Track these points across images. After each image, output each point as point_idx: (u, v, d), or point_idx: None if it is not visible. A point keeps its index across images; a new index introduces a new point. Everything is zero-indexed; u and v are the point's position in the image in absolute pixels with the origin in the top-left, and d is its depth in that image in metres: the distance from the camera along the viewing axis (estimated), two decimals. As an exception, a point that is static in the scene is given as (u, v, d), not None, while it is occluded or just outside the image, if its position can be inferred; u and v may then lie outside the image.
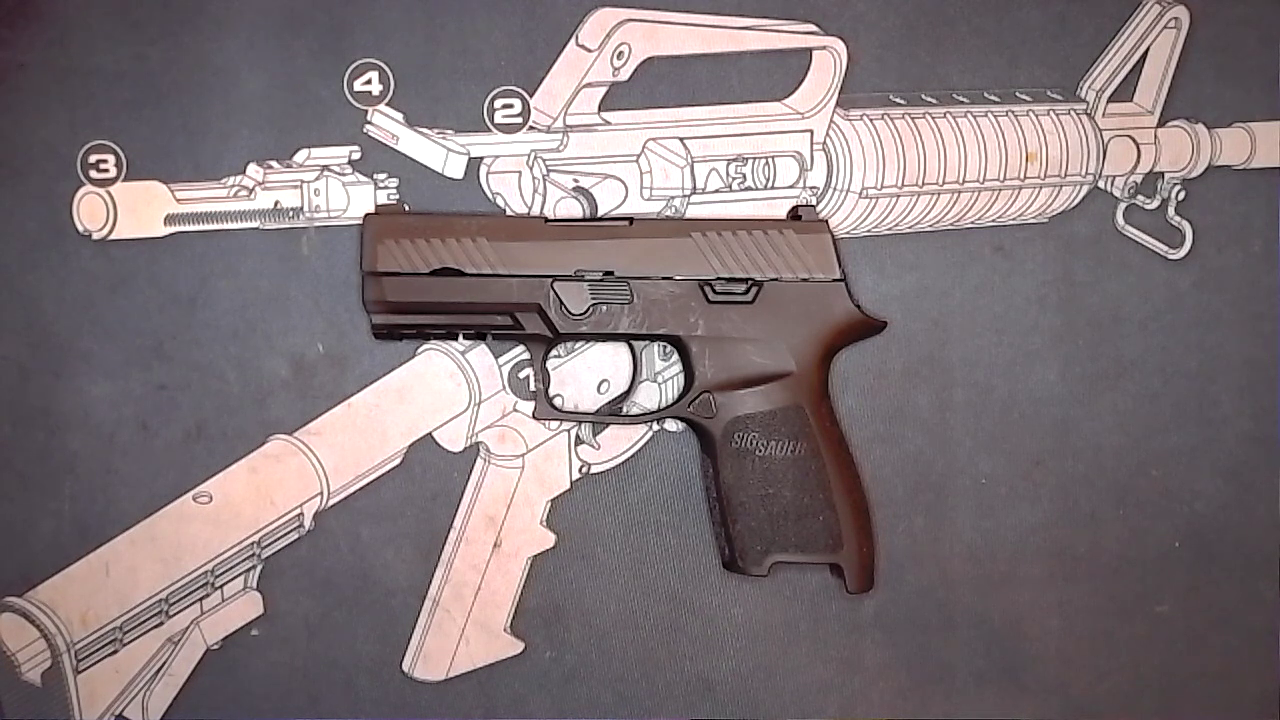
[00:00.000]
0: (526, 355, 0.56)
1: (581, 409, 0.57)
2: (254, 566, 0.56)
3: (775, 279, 0.54)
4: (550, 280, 0.53)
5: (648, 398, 0.57)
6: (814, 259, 0.54)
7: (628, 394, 0.56)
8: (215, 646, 0.56)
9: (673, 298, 0.54)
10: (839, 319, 0.54)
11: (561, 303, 0.53)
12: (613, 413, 0.56)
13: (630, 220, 0.54)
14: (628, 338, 0.55)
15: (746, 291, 0.54)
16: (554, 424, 0.57)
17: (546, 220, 0.54)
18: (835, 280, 0.54)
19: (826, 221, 0.55)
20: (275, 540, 0.56)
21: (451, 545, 0.57)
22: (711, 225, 0.54)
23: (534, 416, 0.55)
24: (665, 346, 0.56)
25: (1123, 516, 0.57)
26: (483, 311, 0.53)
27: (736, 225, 0.54)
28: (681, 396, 0.54)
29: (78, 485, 0.56)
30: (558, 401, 0.57)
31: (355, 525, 0.56)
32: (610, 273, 0.54)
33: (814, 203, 0.56)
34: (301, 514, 0.56)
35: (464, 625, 0.57)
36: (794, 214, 0.55)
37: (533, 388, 0.56)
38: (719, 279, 0.54)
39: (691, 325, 0.54)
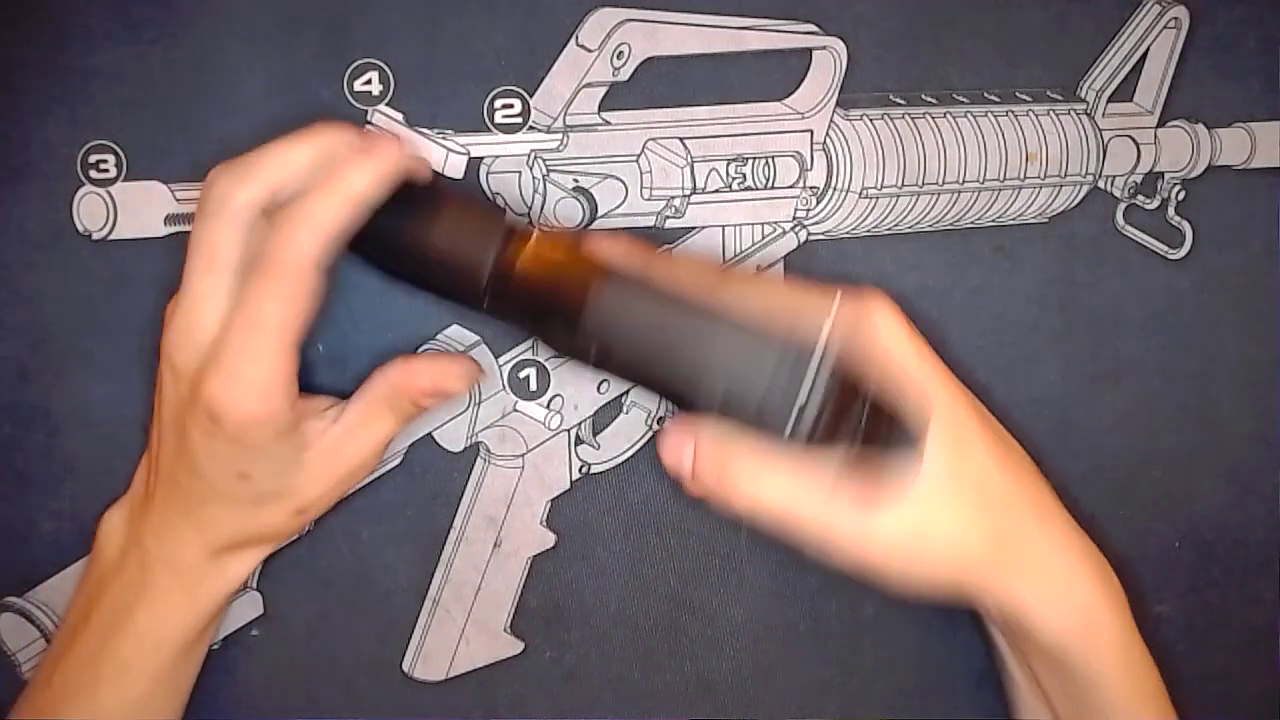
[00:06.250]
0: (527, 355, 0.56)
1: (581, 409, 0.57)
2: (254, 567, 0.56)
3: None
4: None
5: (648, 396, 0.57)
6: None
7: (628, 391, 0.56)
8: (215, 646, 0.56)
9: None
10: None
11: None
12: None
13: None
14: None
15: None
16: (554, 423, 0.57)
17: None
18: None
19: None
20: (275, 540, 0.56)
21: (451, 545, 0.57)
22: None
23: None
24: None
25: (1123, 516, 0.57)
26: None
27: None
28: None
29: (78, 485, 0.56)
30: (556, 403, 0.57)
31: (355, 525, 0.56)
32: None
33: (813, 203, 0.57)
34: (301, 514, 0.56)
35: (464, 625, 0.57)
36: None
37: (533, 387, 0.56)
38: None
39: None
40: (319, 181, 0.46)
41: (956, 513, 0.47)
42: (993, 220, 0.57)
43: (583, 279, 0.45)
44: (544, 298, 0.46)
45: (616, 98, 0.56)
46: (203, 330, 0.46)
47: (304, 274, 0.45)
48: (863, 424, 0.44)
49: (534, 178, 0.56)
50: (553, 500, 0.57)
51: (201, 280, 0.46)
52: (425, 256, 0.47)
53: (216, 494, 0.48)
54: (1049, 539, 0.49)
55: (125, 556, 0.50)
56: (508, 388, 0.57)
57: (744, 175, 0.57)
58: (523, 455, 0.57)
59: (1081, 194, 0.58)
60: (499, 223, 0.48)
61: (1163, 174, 0.58)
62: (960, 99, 0.57)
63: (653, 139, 0.56)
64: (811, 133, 0.57)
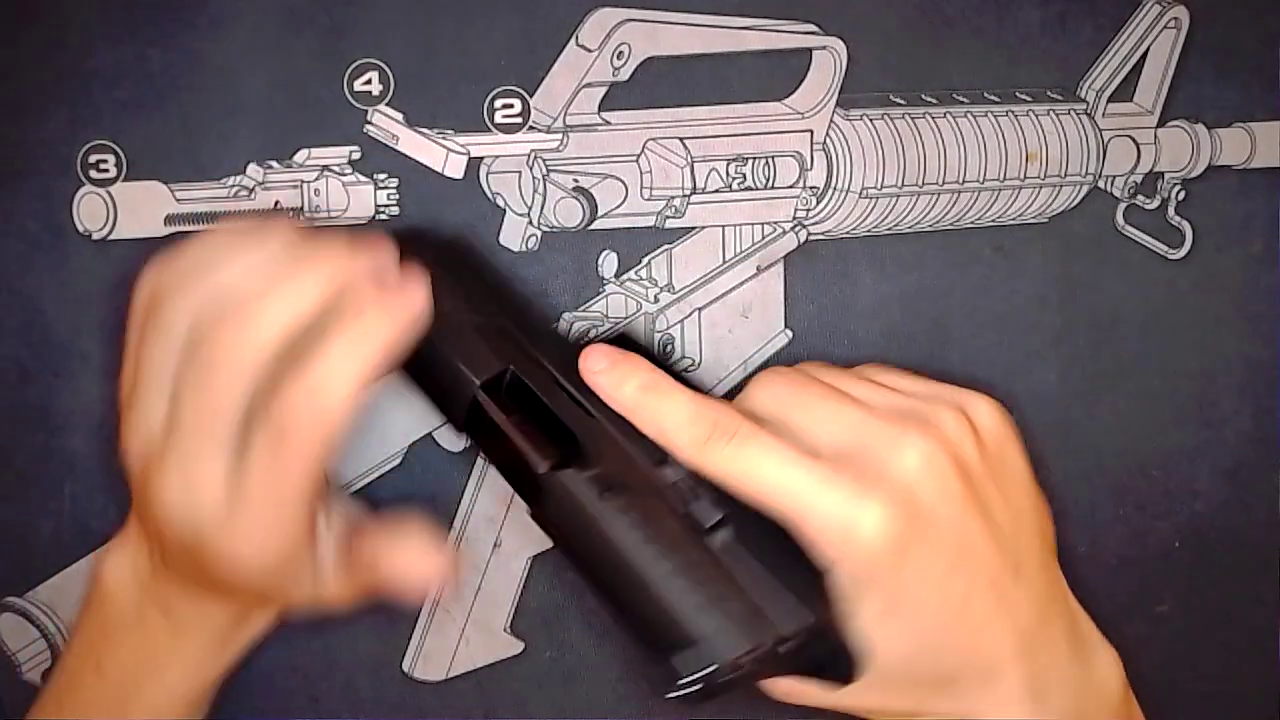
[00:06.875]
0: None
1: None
2: (254, 566, 0.56)
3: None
4: None
5: (648, 398, 0.57)
6: None
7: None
8: (215, 646, 0.56)
9: None
10: None
11: None
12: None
13: None
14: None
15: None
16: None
17: None
18: None
19: None
20: (275, 540, 0.56)
21: (451, 545, 0.57)
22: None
23: None
24: (666, 348, 0.57)
25: (1123, 516, 0.57)
26: None
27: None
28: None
29: (78, 485, 0.56)
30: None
31: (355, 525, 0.56)
32: None
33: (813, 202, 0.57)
34: (301, 514, 0.56)
35: (464, 625, 0.57)
36: None
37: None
38: None
39: None
40: (340, 322, 0.41)
41: (897, 693, 0.45)
42: (993, 220, 0.57)
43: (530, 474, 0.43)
44: (502, 466, 0.46)
45: (616, 98, 0.56)
46: (205, 493, 0.42)
47: (330, 435, 0.41)
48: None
49: (534, 178, 0.56)
50: (553, 500, 0.57)
51: (203, 445, 0.41)
52: (420, 365, 0.46)
53: (241, 597, 0.49)
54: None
55: (144, 614, 0.49)
56: (508, 388, 0.57)
57: (744, 175, 0.57)
58: (523, 455, 0.57)
59: (1081, 194, 0.57)
60: (488, 365, 0.45)
61: (1163, 174, 0.58)
62: (960, 99, 0.57)
63: (653, 139, 0.56)
64: (811, 133, 0.57)
